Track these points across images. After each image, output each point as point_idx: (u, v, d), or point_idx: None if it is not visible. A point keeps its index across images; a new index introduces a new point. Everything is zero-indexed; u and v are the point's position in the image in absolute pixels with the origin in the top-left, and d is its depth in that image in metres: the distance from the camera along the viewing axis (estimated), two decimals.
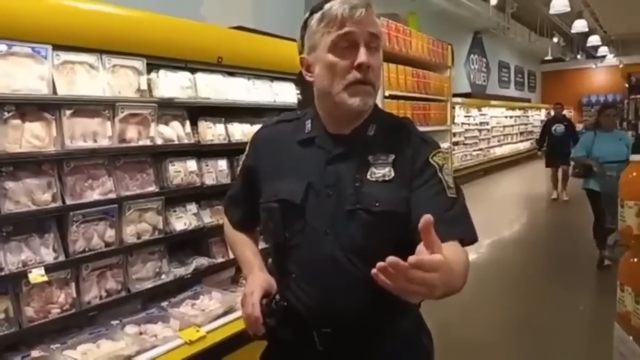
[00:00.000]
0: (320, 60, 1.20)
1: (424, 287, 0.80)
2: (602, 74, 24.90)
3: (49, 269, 1.84)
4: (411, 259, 0.78)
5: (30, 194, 1.83)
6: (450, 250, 1.08)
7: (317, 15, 1.19)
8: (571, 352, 3.48)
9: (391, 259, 0.78)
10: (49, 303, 1.88)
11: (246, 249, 1.44)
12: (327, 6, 1.18)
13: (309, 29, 1.22)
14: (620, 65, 22.54)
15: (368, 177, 1.20)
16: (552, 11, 12.19)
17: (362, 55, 1.15)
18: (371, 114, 1.28)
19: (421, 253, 0.82)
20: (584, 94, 25.11)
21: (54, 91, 1.88)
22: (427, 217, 0.80)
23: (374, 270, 0.81)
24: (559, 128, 9.36)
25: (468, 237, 1.17)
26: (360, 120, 1.25)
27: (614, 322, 2.22)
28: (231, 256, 2.40)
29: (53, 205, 1.89)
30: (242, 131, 2.69)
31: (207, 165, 2.51)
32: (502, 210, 8.84)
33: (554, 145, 9.34)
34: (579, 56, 23.34)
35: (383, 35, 1.25)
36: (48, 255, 1.88)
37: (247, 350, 1.97)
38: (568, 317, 4.07)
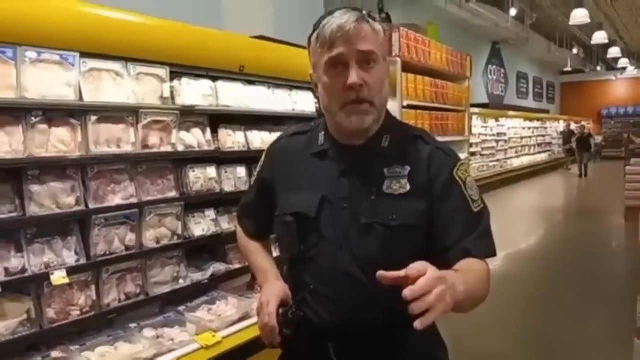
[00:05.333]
0: (320, 81, 1.21)
1: (430, 299, 0.88)
2: (622, 85, 24.61)
3: (70, 271, 1.87)
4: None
5: (55, 197, 1.87)
6: (475, 265, 1.13)
7: (315, 34, 1.19)
8: None
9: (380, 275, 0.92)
10: (69, 305, 1.91)
11: (261, 257, 1.45)
12: (322, 24, 1.16)
13: (311, 47, 1.22)
14: None
15: (384, 189, 1.19)
16: (572, 22, 12.11)
17: (352, 76, 1.12)
18: (385, 124, 1.27)
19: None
20: (603, 105, 24.80)
21: (81, 97, 1.92)
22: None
23: (379, 273, 0.92)
24: None
25: (491, 254, 1.19)
26: (371, 133, 1.24)
27: (634, 337, 2.19)
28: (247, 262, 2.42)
29: (76, 208, 1.93)
30: (261, 139, 2.71)
31: (226, 172, 2.54)
32: (519, 223, 8.75)
33: None
34: (598, 68, 23.11)
35: (383, 46, 1.19)
36: (70, 257, 1.91)
37: (262, 356, 1.98)
38: (584, 331, 4.00)
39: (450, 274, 1.00)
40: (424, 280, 0.88)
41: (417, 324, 0.87)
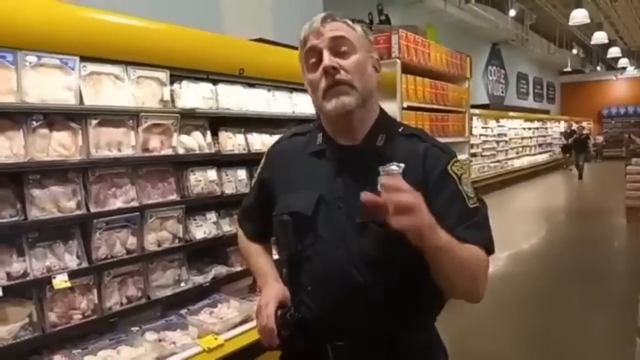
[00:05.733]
0: (306, 83, 1.26)
1: (405, 211, 0.97)
2: (622, 85, 24.60)
3: (72, 275, 1.88)
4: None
5: (56, 201, 1.88)
6: (470, 246, 1.12)
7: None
8: None
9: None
10: (71, 309, 1.91)
11: (260, 259, 1.45)
12: None
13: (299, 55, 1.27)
14: None
15: (378, 188, 1.20)
16: (571, 22, 12.10)
17: (324, 60, 1.17)
18: (381, 124, 1.27)
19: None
20: (604, 105, 24.79)
21: (81, 101, 1.93)
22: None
23: (363, 196, 1.00)
24: None
25: (486, 246, 1.17)
26: (365, 128, 1.25)
27: (635, 337, 2.18)
28: None
29: (77, 212, 1.93)
30: (261, 141, 2.72)
31: (226, 175, 2.54)
32: (520, 223, 8.74)
33: None
34: (598, 68, 23.12)
35: (361, 40, 1.23)
36: (72, 261, 1.92)
37: (264, 359, 1.99)
38: (586, 331, 4.00)
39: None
40: (403, 183, 1.00)
41: (391, 220, 0.97)
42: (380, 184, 1.02)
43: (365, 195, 1.00)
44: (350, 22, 1.22)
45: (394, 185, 0.99)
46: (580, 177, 15.27)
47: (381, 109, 1.31)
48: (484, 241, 1.16)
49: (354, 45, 1.19)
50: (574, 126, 17.93)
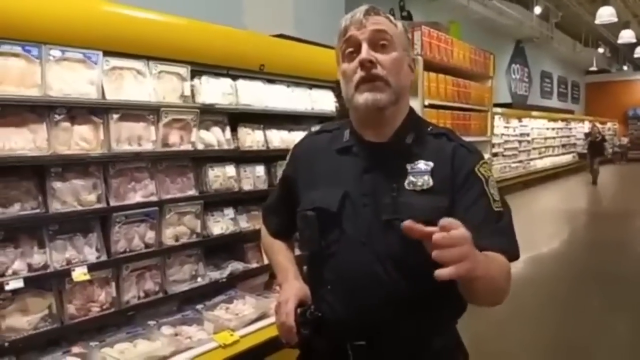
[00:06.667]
0: (339, 73, 1.24)
1: (455, 252, 0.87)
2: None
3: (91, 267, 1.89)
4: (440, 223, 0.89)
5: (77, 194, 1.90)
6: (492, 254, 1.09)
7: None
8: None
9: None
10: (90, 301, 1.93)
11: (282, 255, 1.44)
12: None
13: (336, 51, 1.25)
14: None
15: (405, 186, 1.18)
16: (598, 21, 11.88)
17: (362, 53, 1.15)
18: (410, 122, 1.26)
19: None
20: (629, 106, 24.25)
21: (103, 96, 1.94)
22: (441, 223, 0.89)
23: (406, 223, 0.91)
24: None
25: (510, 252, 1.14)
26: (394, 126, 1.23)
27: None
28: (266, 262, 2.41)
29: (97, 206, 1.95)
30: (280, 138, 2.71)
31: (245, 171, 2.54)
32: (542, 225, 8.60)
33: None
34: (625, 67, 22.63)
35: (400, 37, 1.21)
36: (91, 254, 1.94)
37: (280, 356, 1.98)
38: (605, 335, 3.91)
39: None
40: (457, 233, 0.88)
41: (439, 273, 0.87)
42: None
43: (409, 227, 0.92)
44: (392, 18, 1.21)
45: (449, 240, 0.88)
46: (595, 182, 14.20)
47: (410, 108, 1.29)
48: (507, 248, 1.13)
49: (393, 42, 1.18)
50: (595, 127, 17.49)
